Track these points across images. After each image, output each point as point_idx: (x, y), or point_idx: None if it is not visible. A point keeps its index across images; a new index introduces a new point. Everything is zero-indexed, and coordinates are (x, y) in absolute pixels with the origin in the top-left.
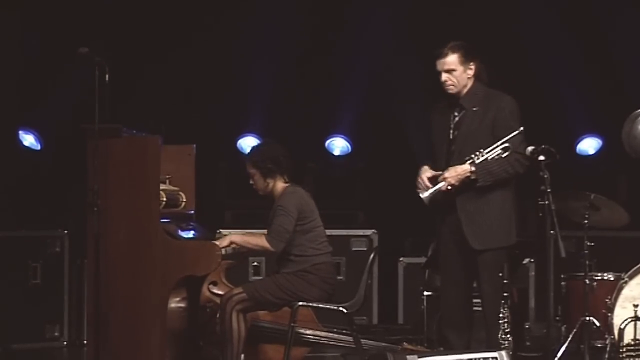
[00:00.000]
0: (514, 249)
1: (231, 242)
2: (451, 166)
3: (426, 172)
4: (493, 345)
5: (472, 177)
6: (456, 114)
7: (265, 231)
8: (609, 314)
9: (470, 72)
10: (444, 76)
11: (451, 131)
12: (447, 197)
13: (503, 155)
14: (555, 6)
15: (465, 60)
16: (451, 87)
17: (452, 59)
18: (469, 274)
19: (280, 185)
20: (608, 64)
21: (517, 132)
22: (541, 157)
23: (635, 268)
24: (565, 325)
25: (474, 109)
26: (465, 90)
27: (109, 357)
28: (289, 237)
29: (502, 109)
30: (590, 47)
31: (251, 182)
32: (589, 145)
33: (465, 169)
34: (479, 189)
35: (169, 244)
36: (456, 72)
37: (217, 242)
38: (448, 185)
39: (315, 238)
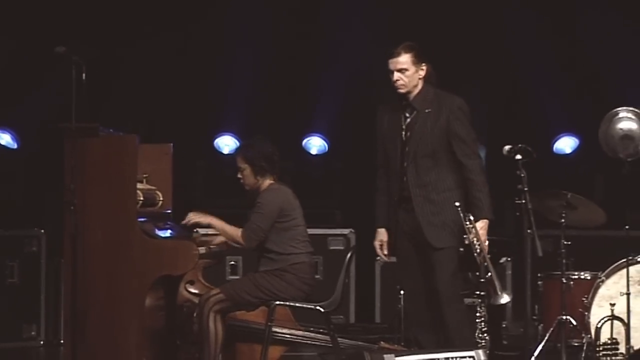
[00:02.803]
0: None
1: (209, 225)
2: (407, 166)
3: (382, 236)
4: (454, 347)
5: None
6: (407, 114)
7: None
8: (586, 313)
9: (422, 73)
10: (396, 75)
11: (403, 132)
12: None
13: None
14: (534, 6)
15: (417, 61)
16: (402, 86)
17: (404, 59)
18: (427, 274)
19: (267, 182)
20: (585, 63)
21: None
22: (518, 156)
23: (612, 267)
24: (542, 324)
25: (427, 110)
26: (415, 92)
27: (86, 357)
28: (263, 236)
29: (454, 110)
30: (567, 47)
31: (239, 176)
32: (566, 144)
33: (483, 226)
34: (431, 192)
35: (146, 243)
36: (408, 72)
37: (196, 217)
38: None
39: (295, 237)
